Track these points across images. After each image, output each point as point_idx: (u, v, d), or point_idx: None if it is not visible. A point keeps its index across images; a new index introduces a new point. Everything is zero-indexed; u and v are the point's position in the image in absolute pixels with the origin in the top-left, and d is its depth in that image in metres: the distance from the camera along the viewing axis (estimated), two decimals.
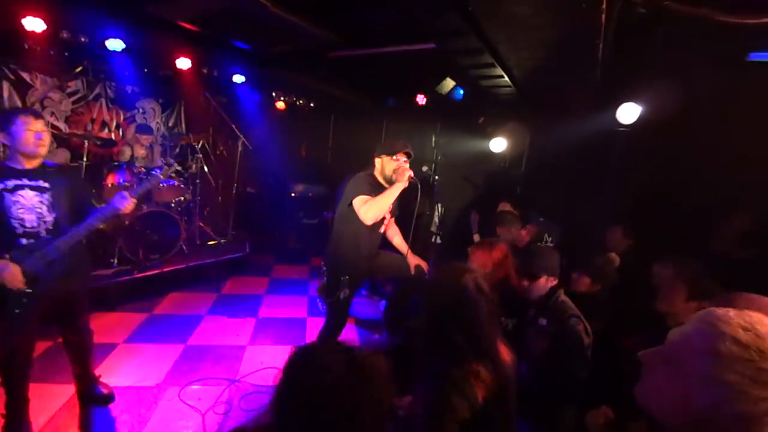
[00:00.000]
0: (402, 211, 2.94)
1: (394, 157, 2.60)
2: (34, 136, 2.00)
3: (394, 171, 2.57)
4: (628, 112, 3.71)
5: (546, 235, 3.26)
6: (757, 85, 3.17)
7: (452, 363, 1.24)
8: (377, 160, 2.68)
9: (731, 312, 0.70)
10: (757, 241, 2.86)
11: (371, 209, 2.42)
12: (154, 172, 2.39)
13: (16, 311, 1.94)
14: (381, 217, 2.54)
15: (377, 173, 2.70)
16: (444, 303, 1.32)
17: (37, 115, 2.06)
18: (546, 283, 2.10)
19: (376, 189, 2.57)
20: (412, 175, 2.52)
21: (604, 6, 1.98)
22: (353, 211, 2.49)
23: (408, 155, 2.64)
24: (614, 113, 3.79)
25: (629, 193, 4.04)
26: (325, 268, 2.74)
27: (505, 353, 1.39)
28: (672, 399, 0.72)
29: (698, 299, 1.90)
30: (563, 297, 2.08)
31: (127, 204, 2.16)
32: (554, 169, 4.73)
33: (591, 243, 3.47)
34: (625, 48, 3.00)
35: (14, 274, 1.89)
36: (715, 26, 2.22)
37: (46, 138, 2.06)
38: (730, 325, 0.67)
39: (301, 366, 0.83)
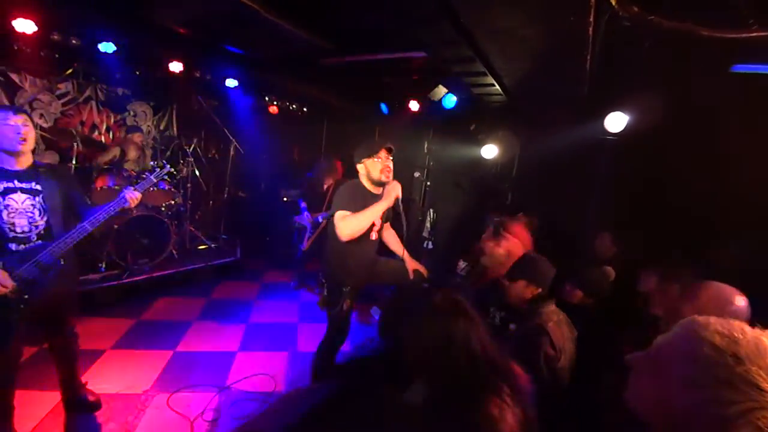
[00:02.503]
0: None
1: (376, 157, 2.50)
2: (13, 131, 1.93)
3: (382, 171, 2.48)
4: (616, 121, 3.79)
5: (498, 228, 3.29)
6: (740, 95, 3.25)
7: (470, 404, 1.06)
8: (360, 167, 2.58)
9: (712, 319, 0.73)
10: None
11: (347, 226, 2.35)
12: (147, 175, 2.36)
13: (15, 317, 1.91)
14: (358, 234, 2.44)
15: (363, 179, 2.59)
16: (436, 349, 1.15)
17: (18, 110, 2.00)
18: (525, 289, 2.02)
19: (363, 197, 2.49)
20: (399, 195, 2.46)
21: (591, 19, 2.03)
22: None
23: (389, 150, 2.53)
24: (602, 122, 3.86)
25: (617, 200, 4.11)
26: (324, 280, 2.68)
27: (521, 375, 1.23)
28: (656, 402, 0.75)
29: None
30: (547, 309, 1.94)
31: (135, 198, 2.17)
32: (544, 175, 4.79)
33: (580, 251, 3.52)
34: (613, 59, 3.06)
35: (2, 281, 1.86)
36: (700, 39, 2.28)
37: (29, 134, 1.98)
38: (709, 331, 0.70)
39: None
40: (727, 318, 1.21)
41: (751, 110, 3.24)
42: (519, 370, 1.24)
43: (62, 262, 2.03)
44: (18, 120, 1.96)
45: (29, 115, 2.08)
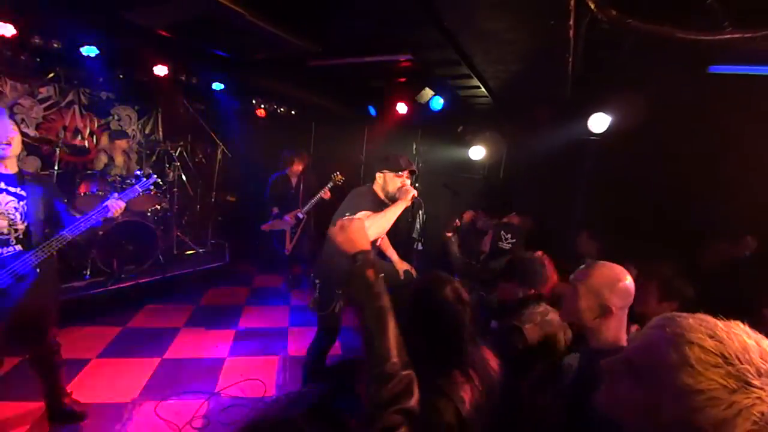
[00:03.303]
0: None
1: (399, 174, 2.54)
2: None
3: (398, 189, 2.51)
4: (599, 122, 3.87)
5: (503, 232, 3.27)
6: (717, 96, 3.35)
7: (438, 373, 1.23)
8: (379, 175, 2.59)
9: (691, 319, 0.72)
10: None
11: (373, 226, 2.32)
12: (137, 185, 2.34)
13: None
14: (383, 234, 2.47)
15: (377, 188, 2.60)
16: (424, 314, 1.31)
17: (1, 115, 1.98)
18: (516, 289, 2.06)
19: (377, 205, 2.50)
20: (416, 194, 2.48)
21: (571, 23, 2.08)
22: None
23: (412, 173, 2.60)
24: (586, 123, 3.94)
25: (601, 198, 4.19)
26: (317, 282, 2.66)
27: (492, 360, 1.39)
28: (642, 409, 0.72)
29: (669, 300, 1.99)
30: (532, 310, 1.94)
31: (119, 208, 2.15)
32: (531, 175, 4.86)
33: (564, 247, 3.57)
34: (594, 61, 3.13)
35: None
36: (677, 42, 2.35)
37: (13, 139, 1.97)
38: (696, 333, 0.69)
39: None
40: (619, 293, 1.33)
41: (727, 110, 3.34)
42: (490, 354, 1.39)
43: (38, 272, 2.00)
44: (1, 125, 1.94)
45: (13, 120, 2.05)
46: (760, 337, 0.69)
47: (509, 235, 3.11)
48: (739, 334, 0.69)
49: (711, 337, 0.68)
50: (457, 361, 1.25)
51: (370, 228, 2.31)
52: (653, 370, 0.72)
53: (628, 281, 1.36)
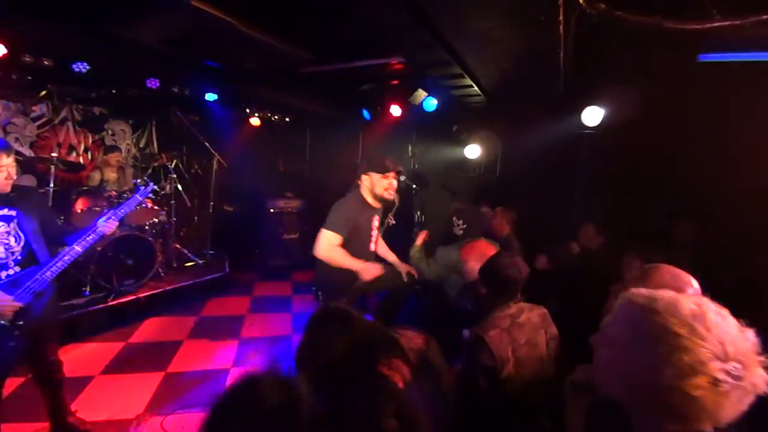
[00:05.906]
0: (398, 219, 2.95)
1: (385, 175, 2.55)
2: None
3: (386, 189, 2.54)
4: (593, 115, 3.88)
5: (455, 218, 3.16)
6: (707, 83, 3.37)
7: None
8: (365, 177, 2.58)
9: (648, 294, 0.83)
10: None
11: (329, 254, 2.40)
12: (137, 193, 2.33)
13: (10, 344, 1.86)
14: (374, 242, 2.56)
15: (365, 191, 2.60)
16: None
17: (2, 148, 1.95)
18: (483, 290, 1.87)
19: (362, 210, 2.51)
20: (378, 275, 2.47)
21: (560, 18, 2.08)
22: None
23: (398, 173, 2.60)
24: (579, 116, 3.95)
25: (598, 190, 4.20)
26: (320, 293, 2.66)
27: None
28: (617, 376, 0.83)
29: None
30: (500, 313, 1.71)
31: (111, 227, 2.13)
32: (527, 171, 4.86)
33: (559, 237, 3.60)
34: (585, 55, 3.14)
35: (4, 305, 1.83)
36: (666, 32, 2.36)
37: (10, 168, 1.95)
38: (633, 294, 0.84)
39: None
40: None
41: (720, 97, 3.36)
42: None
43: (54, 287, 2.00)
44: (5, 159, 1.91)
45: (11, 148, 2.00)
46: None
47: (461, 221, 2.98)
48: (676, 295, 0.81)
49: (642, 295, 0.82)
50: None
51: (324, 252, 2.40)
52: (620, 339, 0.83)
53: (696, 286, 1.26)
